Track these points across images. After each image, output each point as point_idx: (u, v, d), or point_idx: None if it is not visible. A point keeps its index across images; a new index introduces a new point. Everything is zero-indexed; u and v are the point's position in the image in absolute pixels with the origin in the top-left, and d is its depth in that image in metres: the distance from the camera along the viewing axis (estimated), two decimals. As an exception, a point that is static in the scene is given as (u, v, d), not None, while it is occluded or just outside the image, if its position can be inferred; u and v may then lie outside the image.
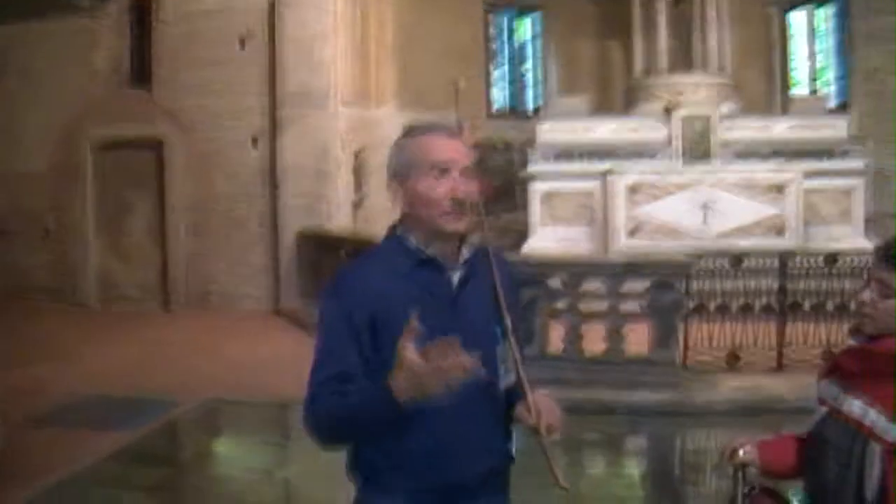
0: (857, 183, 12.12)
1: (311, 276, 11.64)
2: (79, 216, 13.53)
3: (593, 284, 7.62)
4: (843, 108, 14.53)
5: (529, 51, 17.14)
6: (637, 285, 7.36)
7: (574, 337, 7.35)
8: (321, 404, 2.00)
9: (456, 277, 2.11)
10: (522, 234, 13.14)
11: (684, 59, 14.56)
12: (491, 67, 16.76)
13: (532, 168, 12.95)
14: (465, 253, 2.13)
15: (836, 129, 12.57)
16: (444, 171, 2.06)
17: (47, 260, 13.77)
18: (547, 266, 7.76)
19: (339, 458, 2.17)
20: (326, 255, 11.13)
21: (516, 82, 17.13)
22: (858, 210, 12.05)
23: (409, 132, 2.18)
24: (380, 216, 12.64)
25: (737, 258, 7.79)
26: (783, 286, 7.74)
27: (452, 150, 2.10)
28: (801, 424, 2.35)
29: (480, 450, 2.10)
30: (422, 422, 1.96)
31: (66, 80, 13.27)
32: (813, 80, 15.91)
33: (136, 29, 13.38)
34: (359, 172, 12.76)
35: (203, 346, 10.13)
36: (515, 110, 16.90)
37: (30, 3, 3.96)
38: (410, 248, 2.09)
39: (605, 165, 12.46)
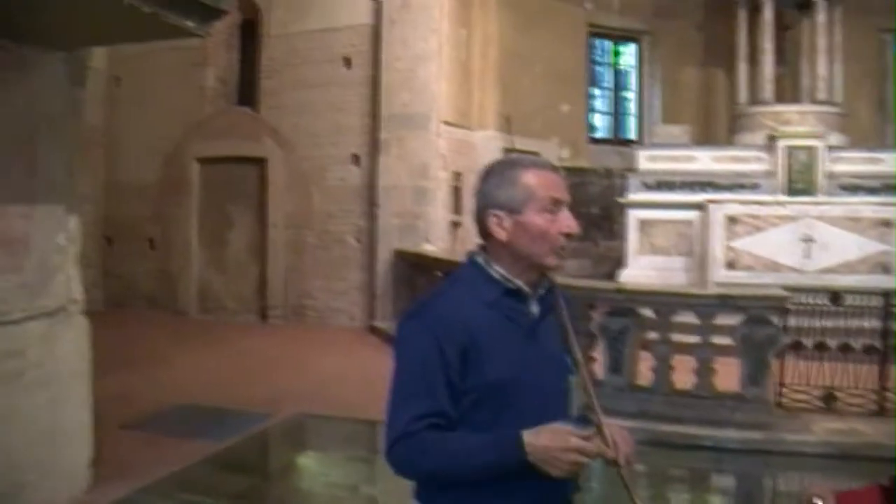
0: (971, 220, 11.62)
1: (406, 295, 11.75)
2: (183, 228, 13.99)
3: (686, 316, 7.50)
4: (958, 141, 14.00)
5: (632, 77, 17.01)
6: (731, 318, 7.21)
7: (664, 369, 7.23)
8: (418, 442, 1.99)
9: (536, 309, 2.13)
10: (620, 262, 13.04)
11: (791, 87, 14.26)
12: (593, 93, 16.68)
13: (630, 196, 12.84)
14: (543, 286, 2.15)
15: (950, 162, 12.09)
16: (557, 206, 2.08)
17: (151, 269, 14.27)
18: (639, 295, 7.67)
19: None
20: (422, 274, 11.23)
21: (618, 109, 17.02)
22: (971, 249, 11.55)
23: (515, 164, 2.16)
24: (477, 238, 12.69)
25: (837, 294, 7.54)
26: (887, 326, 7.47)
27: (563, 187, 2.12)
28: (896, 472, 2.29)
29: (551, 481, 2.11)
30: None
31: (175, 97, 13.81)
32: (927, 112, 15.37)
33: (244, 49, 13.82)
34: (457, 193, 12.83)
35: (296, 360, 10.30)
36: (617, 137, 16.78)
37: (139, 25, 4.14)
38: (495, 277, 2.11)
39: (705, 195, 12.26)
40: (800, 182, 12.15)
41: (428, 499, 2.13)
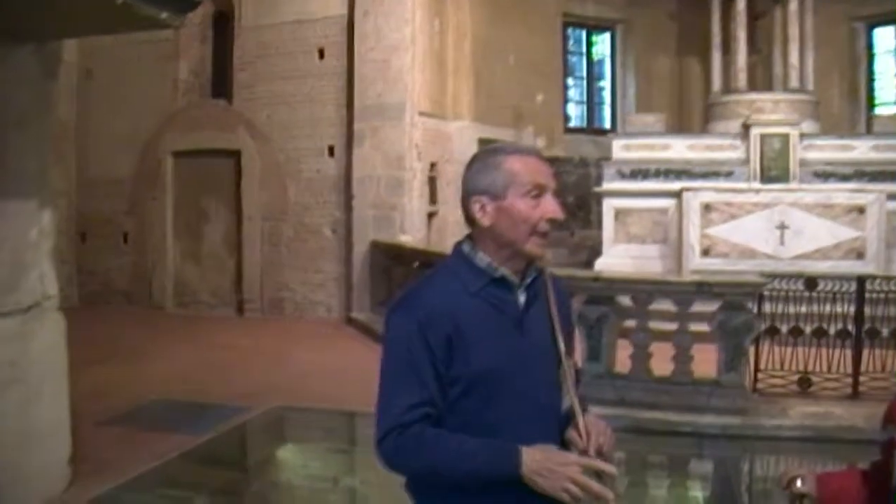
0: (945, 205, 11.75)
1: (384, 287, 11.75)
2: (158, 222, 13.89)
3: (663, 303, 7.54)
4: (930, 127, 14.10)
5: (606, 66, 17.05)
6: (708, 306, 7.25)
7: (642, 356, 7.27)
8: (412, 437, 1.98)
9: (522, 298, 2.13)
10: (596, 251, 13.09)
11: (764, 75, 14.35)
12: (568, 82, 16.71)
13: (606, 185, 12.89)
14: (530, 275, 2.15)
15: (922, 149, 12.20)
16: (540, 192, 2.07)
17: (126, 264, 14.17)
18: (617, 284, 7.70)
19: None
20: (399, 265, 11.23)
21: (593, 98, 17.05)
22: (945, 234, 11.68)
23: (499, 150, 2.15)
24: (453, 228, 12.72)
25: (812, 280, 7.61)
26: (860, 311, 7.55)
27: (548, 173, 2.11)
28: (874, 456, 2.31)
29: None
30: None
31: (148, 89, 13.69)
32: (900, 99, 15.51)
33: (217, 40, 13.73)
34: (433, 184, 12.82)
35: (274, 352, 10.28)
36: (592, 126, 16.82)
37: (112, 16, 4.09)
38: (481, 266, 2.09)
39: (680, 183, 12.32)
40: (773, 169, 12.23)
41: (419, 491, 2.11)
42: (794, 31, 13.68)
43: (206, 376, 8.87)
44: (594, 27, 16.84)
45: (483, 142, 13.06)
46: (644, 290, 7.47)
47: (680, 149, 12.81)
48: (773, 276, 7.73)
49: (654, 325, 7.46)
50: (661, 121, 13.45)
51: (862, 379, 7.39)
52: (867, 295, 7.50)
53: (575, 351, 2.34)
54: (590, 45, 17.01)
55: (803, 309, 7.58)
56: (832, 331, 7.53)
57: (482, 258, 2.10)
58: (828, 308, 7.52)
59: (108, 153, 14.04)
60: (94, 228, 14.33)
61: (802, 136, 12.44)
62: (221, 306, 13.62)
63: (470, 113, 13.55)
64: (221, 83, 13.68)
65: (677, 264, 11.88)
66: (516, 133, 14.33)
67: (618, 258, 12.21)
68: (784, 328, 7.55)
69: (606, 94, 17.13)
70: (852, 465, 2.46)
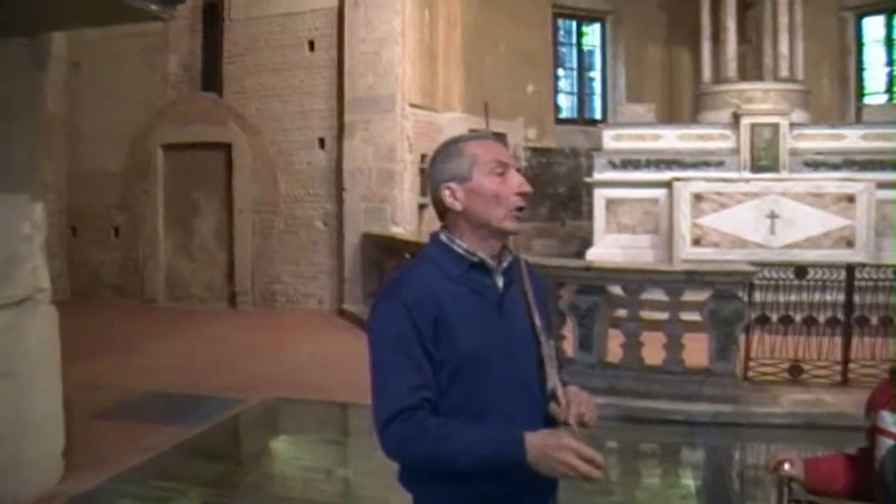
0: (933, 194, 11.80)
1: (375, 278, 11.76)
2: (149, 216, 13.88)
3: (655, 293, 7.58)
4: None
5: (597, 57, 17.06)
6: (699, 295, 7.29)
7: (633, 345, 7.30)
8: (416, 425, 1.97)
9: (500, 281, 2.16)
10: (587, 241, 13.12)
11: (754, 65, 14.37)
12: (558, 73, 16.72)
13: (597, 175, 12.91)
14: (506, 258, 2.19)
15: (911, 138, 12.25)
16: (504, 169, 2.12)
17: (118, 258, 14.17)
18: (608, 273, 7.73)
19: None
20: (390, 257, 11.23)
21: (583, 88, 17.07)
22: (933, 222, 11.74)
23: (457, 140, 2.22)
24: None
25: (802, 269, 7.65)
26: (850, 299, 7.59)
27: (507, 153, 2.17)
28: (863, 442, 2.34)
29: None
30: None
31: (137, 83, 13.69)
32: (889, 88, 15.55)
33: (207, 33, 13.69)
34: (424, 175, 12.82)
35: (266, 345, 10.29)
36: (582, 116, 16.84)
37: (101, 8, 4.08)
38: (459, 252, 2.13)
39: (670, 173, 12.35)
40: (764, 159, 12.28)
41: (415, 481, 2.13)
42: (783, 20, 13.69)
43: (199, 369, 8.87)
44: (584, 18, 16.85)
45: (474, 133, 13.06)
46: (635, 279, 7.51)
47: (670, 139, 12.84)
48: (764, 264, 7.77)
49: (646, 314, 7.50)
50: (652, 111, 13.47)
51: (851, 366, 7.45)
52: (857, 283, 7.55)
53: (552, 335, 2.37)
54: (580, 35, 17.02)
55: (793, 297, 7.64)
56: (822, 319, 7.59)
57: (460, 244, 2.14)
58: (818, 296, 7.58)
59: (98, 147, 14.01)
60: (84, 222, 14.32)
61: (792, 125, 12.49)
62: (213, 299, 13.62)
63: (461, 104, 13.54)
64: (211, 76, 13.64)
65: (668, 254, 11.92)
66: (508, 124, 14.32)
67: (609, 248, 12.24)
68: (774, 316, 7.59)
69: (597, 85, 17.15)
70: (840, 451, 2.49)
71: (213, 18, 13.59)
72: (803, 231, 11.47)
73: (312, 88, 12.81)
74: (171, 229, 13.89)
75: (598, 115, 16.78)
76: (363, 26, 12.17)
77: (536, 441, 1.91)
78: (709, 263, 9.19)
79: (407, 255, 10.38)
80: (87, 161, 14.14)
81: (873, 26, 15.60)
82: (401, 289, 2.09)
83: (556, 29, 16.49)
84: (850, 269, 7.64)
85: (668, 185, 12.14)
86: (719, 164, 12.48)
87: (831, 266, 7.79)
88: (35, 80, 5.25)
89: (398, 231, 11.86)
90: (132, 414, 7.20)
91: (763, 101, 13.29)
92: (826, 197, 11.56)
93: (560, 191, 15.33)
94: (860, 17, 15.55)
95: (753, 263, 7.75)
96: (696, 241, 11.72)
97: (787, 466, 2.37)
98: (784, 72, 13.74)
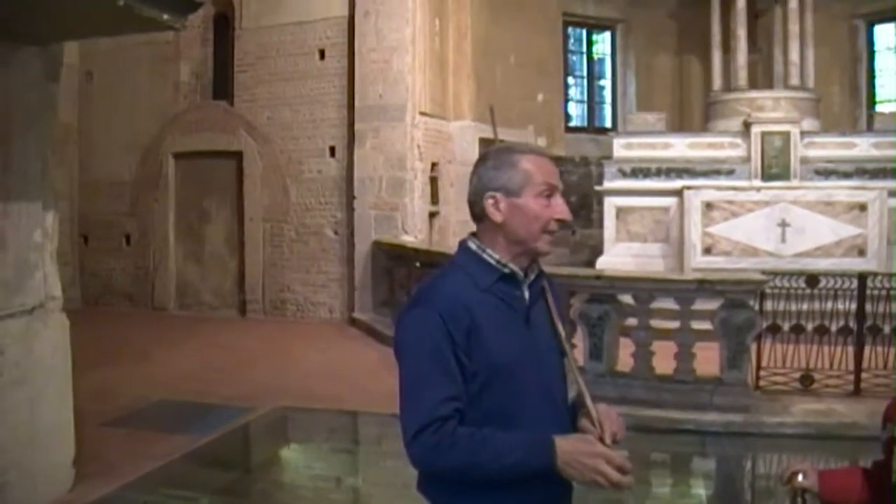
0: (946, 202, 11.73)
1: (386, 287, 11.77)
2: (160, 224, 13.92)
3: (665, 302, 7.55)
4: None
5: (607, 65, 17.06)
6: (710, 304, 7.27)
7: (644, 354, 7.28)
8: (447, 435, 1.97)
9: (527, 293, 2.18)
10: (598, 250, 13.10)
11: (764, 73, 14.36)
12: (569, 82, 16.72)
13: (607, 184, 12.90)
14: (533, 271, 2.20)
15: (923, 146, 12.20)
16: (552, 192, 2.13)
17: (129, 266, 14.20)
18: (618, 282, 7.71)
19: (406, 467, 2.17)
20: (401, 266, 11.24)
21: (593, 97, 17.07)
22: (946, 231, 11.67)
23: (513, 149, 2.20)
24: (455, 228, 12.73)
25: (813, 278, 7.62)
26: (862, 308, 7.55)
27: (557, 175, 2.16)
28: (876, 452, 2.32)
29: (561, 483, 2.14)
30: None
31: (149, 92, 13.75)
32: (901, 96, 15.51)
33: (218, 42, 13.75)
34: (434, 184, 12.83)
35: (276, 353, 10.29)
36: (593, 125, 16.83)
37: (113, 18, 4.10)
38: (490, 262, 2.13)
39: (681, 181, 12.33)
40: (775, 167, 12.24)
41: (439, 490, 2.12)
42: (794, 28, 13.67)
43: (210, 377, 8.88)
44: (594, 26, 16.85)
45: (484, 141, 13.08)
46: (645, 288, 7.49)
47: (681, 147, 12.82)
48: (775, 273, 7.73)
49: (656, 323, 7.47)
50: (662, 119, 13.46)
51: (864, 376, 7.41)
52: (868, 292, 7.50)
53: (574, 347, 2.39)
54: (590, 44, 17.02)
55: (805, 306, 7.60)
56: (834, 328, 7.54)
57: (491, 254, 2.14)
58: (829, 305, 7.53)
59: (109, 155, 14.07)
60: (96, 230, 14.37)
61: (803, 133, 12.45)
62: (223, 307, 13.64)
63: (471, 113, 13.54)
64: (222, 85, 13.70)
65: (679, 263, 11.89)
66: (518, 132, 14.32)
67: (619, 257, 12.22)
68: (786, 326, 7.56)
69: (607, 94, 17.14)
70: (854, 463, 2.47)
71: (224, 28, 13.66)
72: (814, 240, 11.43)
73: (323, 97, 12.83)
74: (182, 238, 13.92)
75: (608, 124, 16.78)
76: (374, 35, 12.19)
77: (567, 446, 1.93)
78: (720, 272, 9.16)
79: (417, 264, 10.39)
80: (98, 170, 14.20)
81: (884, 34, 15.53)
82: (434, 297, 2.09)
83: (566, 37, 16.49)
84: (861, 277, 7.59)
85: (678, 193, 12.12)
86: (730, 173, 12.45)
87: (843, 275, 7.75)
88: (47, 90, 5.27)
89: (408, 239, 11.86)
90: (143, 422, 7.21)
91: (774, 110, 13.25)
92: (837, 205, 11.52)
93: (570, 199, 15.27)
94: (871, 24, 15.49)
95: (764, 272, 7.73)
96: (707, 250, 11.69)
97: (800, 478, 2.36)
98: (795, 80, 13.71)
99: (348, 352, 10.36)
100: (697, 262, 11.50)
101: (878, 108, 15.28)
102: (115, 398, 7.72)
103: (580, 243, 14.93)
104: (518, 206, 2.10)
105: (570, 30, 16.61)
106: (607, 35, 16.93)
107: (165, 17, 4.45)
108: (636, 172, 12.70)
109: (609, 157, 13.18)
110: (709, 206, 11.78)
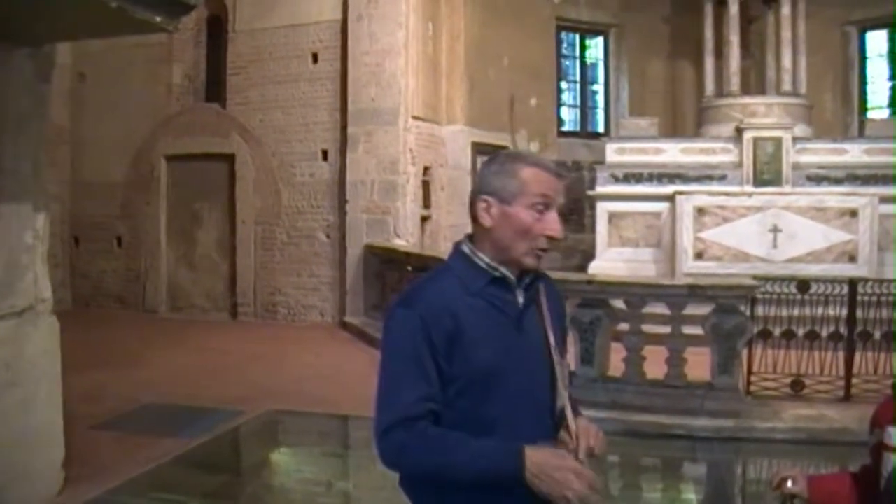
0: (936, 209, 11.78)
1: (377, 291, 11.76)
2: (151, 226, 13.88)
3: (657, 307, 7.56)
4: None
5: (600, 70, 17.08)
6: (701, 309, 7.28)
7: (635, 359, 7.29)
8: (418, 434, 1.97)
9: (521, 298, 2.16)
10: (590, 255, 13.11)
11: (757, 79, 14.40)
12: (561, 86, 16.74)
13: (600, 188, 12.93)
14: (529, 275, 2.18)
15: (914, 152, 12.25)
16: (546, 206, 2.10)
17: (120, 268, 14.17)
18: (610, 287, 7.72)
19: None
20: (392, 269, 11.23)
21: (586, 102, 17.08)
22: (936, 237, 11.71)
23: (519, 158, 2.19)
24: (446, 232, 12.73)
25: (804, 283, 7.64)
26: (852, 314, 7.57)
27: (557, 189, 2.14)
28: (866, 458, 2.33)
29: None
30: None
31: (141, 93, 13.71)
32: (892, 103, 15.54)
33: (211, 45, 13.73)
34: (427, 188, 12.83)
35: (268, 356, 10.26)
36: (585, 130, 16.84)
37: (106, 20, 4.10)
38: (481, 266, 2.12)
39: (673, 186, 12.36)
40: (766, 173, 12.28)
41: (416, 488, 2.12)
42: (786, 34, 13.71)
43: (200, 380, 8.86)
44: (587, 31, 16.87)
45: (477, 145, 13.09)
46: (637, 293, 7.49)
47: (673, 152, 12.87)
48: (766, 279, 7.76)
49: (648, 328, 7.48)
50: (655, 124, 13.50)
51: (854, 381, 7.42)
52: (859, 298, 7.52)
53: (567, 353, 2.38)
54: (583, 48, 17.04)
55: (796, 312, 7.61)
56: (824, 333, 7.57)
57: (482, 258, 2.13)
58: (820, 311, 7.55)
59: (101, 157, 14.04)
60: (87, 232, 14.33)
61: (795, 139, 12.50)
62: (215, 310, 13.61)
63: (464, 117, 13.54)
64: (215, 87, 13.68)
65: (671, 268, 11.92)
66: (510, 137, 14.34)
67: (611, 262, 12.24)
68: (777, 331, 7.58)
69: (600, 98, 17.15)
70: (844, 469, 2.48)
71: (217, 30, 13.64)
72: (806, 245, 11.47)
73: (316, 100, 12.83)
74: (174, 240, 13.89)
75: (600, 129, 16.79)
76: (367, 38, 12.19)
77: (538, 458, 1.91)
78: (711, 277, 9.18)
79: (409, 268, 10.38)
80: (90, 171, 14.17)
81: (876, 41, 15.60)
82: (419, 299, 2.09)
83: (559, 42, 16.51)
84: (852, 283, 7.62)
85: (670, 198, 12.15)
86: (722, 178, 12.49)
87: (834, 280, 7.78)
88: (39, 91, 5.26)
89: (400, 243, 11.85)
90: (132, 425, 7.18)
91: (766, 116, 13.30)
92: (829, 211, 11.57)
93: (562, 204, 15.28)
94: (863, 31, 15.54)
95: (756, 277, 7.75)
96: (699, 255, 11.72)
97: (790, 483, 2.37)
98: (787, 86, 13.76)
99: (339, 355, 10.34)
100: (689, 268, 11.53)
101: (870, 114, 15.34)
102: (105, 401, 7.70)
103: (572, 248, 14.92)
104: (508, 214, 2.09)
105: (563, 34, 16.62)
106: (600, 40, 16.95)
107: (158, 19, 4.44)
108: (628, 177, 12.74)
109: (601, 161, 13.22)
110: (700, 211, 11.81)
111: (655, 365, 7.23)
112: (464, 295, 2.08)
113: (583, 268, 12.63)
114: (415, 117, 12.36)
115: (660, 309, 7.48)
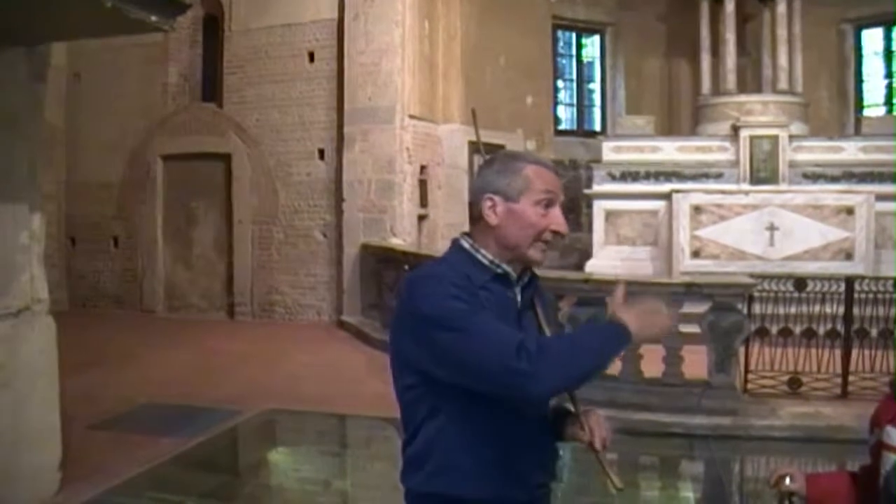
0: (931, 206, 11.79)
1: (374, 290, 11.75)
2: (148, 226, 13.86)
3: (653, 305, 7.54)
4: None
5: (596, 69, 17.08)
6: (698, 307, 7.28)
7: (632, 357, 7.28)
8: (544, 350, 1.93)
9: (520, 297, 2.19)
10: (587, 253, 13.11)
11: (753, 77, 14.40)
12: (558, 85, 16.74)
13: (596, 187, 12.93)
14: (526, 274, 2.21)
15: (910, 150, 12.25)
16: (550, 202, 2.14)
17: (116, 268, 14.15)
18: (607, 285, 7.70)
19: (394, 469, 2.18)
20: (389, 268, 11.22)
21: (583, 100, 17.09)
22: (932, 234, 11.73)
23: (519, 157, 2.23)
24: (443, 231, 12.72)
25: (801, 281, 7.64)
26: (849, 311, 7.58)
27: (558, 186, 2.19)
28: (863, 456, 2.33)
29: (534, 466, 2.18)
30: (484, 436, 2.06)
31: (137, 93, 13.70)
32: (888, 101, 15.57)
33: (207, 44, 13.72)
34: (423, 187, 12.82)
35: (265, 356, 10.26)
36: (582, 128, 16.85)
37: (101, 20, 4.09)
38: (483, 262, 2.14)
39: (669, 185, 12.36)
40: (763, 171, 12.29)
41: (415, 472, 2.12)
42: (782, 33, 13.72)
43: (197, 380, 8.85)
44: (584, 30, 16.87)
45: (473, 144, 13.06)
46: (634, 291, 7.46)
47: (670, 151, 12.87)
48: (763, 277, 7.77)
49: (645, 326, 7.45)
50: (651, 123, 13.50)
51: (851, 379, 7.43)
52: (856, 295, 7.53)
53: None
54: (580, 47, 17.04)
55: (793, 310, 7.62)
56: (821, 331, 7.57)
57: (484, 254, 2.14)
58: (817, 309, 7.56)
59: (97, 157, 14.01)
60: (83, 232, 14.30)
61: (791, 137, 12.51)
62: (212, 310, 13.60)
63: (460, 116, 13.53)
64: (211, 87, 13.67)
65: (667, 266, 11.92)
66: (507, 135, 14.33)
67: (608, 260, 12.24)
68: (774, 329, 7.58)
69: (596, 97, 17.16)
70: (842, 467, 2.48)
71: (213, 29, 13.62)
72: (802, 243, 11.48)
73: (312, 99, 12.82)
74: (170, 240, 13.87)
75: (597, 127, 16.79)
76: (363, 38, 12.18)
77: (631, 316, 2.04)
78: (708, 275, 9.20)
79: (406, 267, 10.37)
80: (86, 171, 14.14)
81: (872, 38, 15.62)
82: (440, 274, 2.08)
83: (555, 41, 16.50)
84: (849, 281, 7.63)
85: (667, 197, 12.15)
86: (718, 177, 12.50)
87: (831, 278, 7.78)
88: (34, 91, 5.25)
89: (397, 242, 11.84)
90: (130, 425, 7.18)
91: (762, 114, 13.30)
92: (825, 209, 11.57)
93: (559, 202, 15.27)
94: (859, 29, 15.56)
95: (753, 275, 7.75)
96: (696, 253, 11.72)
97: (788, 481, 2.36)
98: (783, 84, 13.76)
99: (336, 354, 10.34)
100: (686, 266, 11.54)
101: (866, 112, 15.36)
102: (102, 401, 7.68)
103: (569, 246, 14.91)
104: (514, 211, 2.11)
105: (559, 33, 16.61)
106: (596, 38, 16.95)
107: (154, 18, 4.43)
108: (625, 176, 12.74)
109: (598, 160, 13.22)
110: (697, 209, 11.82)
111: (652, 363, 7.22)
112: (468, 287, 2.07)
113: (580, 266, 12.63)
114: (411, 116, 12.35)
115: (657, 307, 7.46)
